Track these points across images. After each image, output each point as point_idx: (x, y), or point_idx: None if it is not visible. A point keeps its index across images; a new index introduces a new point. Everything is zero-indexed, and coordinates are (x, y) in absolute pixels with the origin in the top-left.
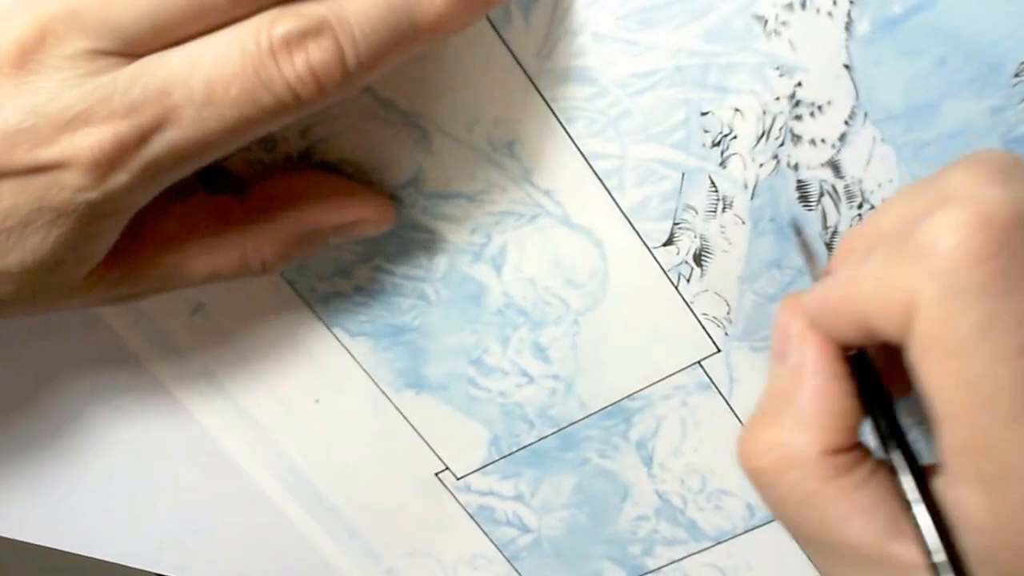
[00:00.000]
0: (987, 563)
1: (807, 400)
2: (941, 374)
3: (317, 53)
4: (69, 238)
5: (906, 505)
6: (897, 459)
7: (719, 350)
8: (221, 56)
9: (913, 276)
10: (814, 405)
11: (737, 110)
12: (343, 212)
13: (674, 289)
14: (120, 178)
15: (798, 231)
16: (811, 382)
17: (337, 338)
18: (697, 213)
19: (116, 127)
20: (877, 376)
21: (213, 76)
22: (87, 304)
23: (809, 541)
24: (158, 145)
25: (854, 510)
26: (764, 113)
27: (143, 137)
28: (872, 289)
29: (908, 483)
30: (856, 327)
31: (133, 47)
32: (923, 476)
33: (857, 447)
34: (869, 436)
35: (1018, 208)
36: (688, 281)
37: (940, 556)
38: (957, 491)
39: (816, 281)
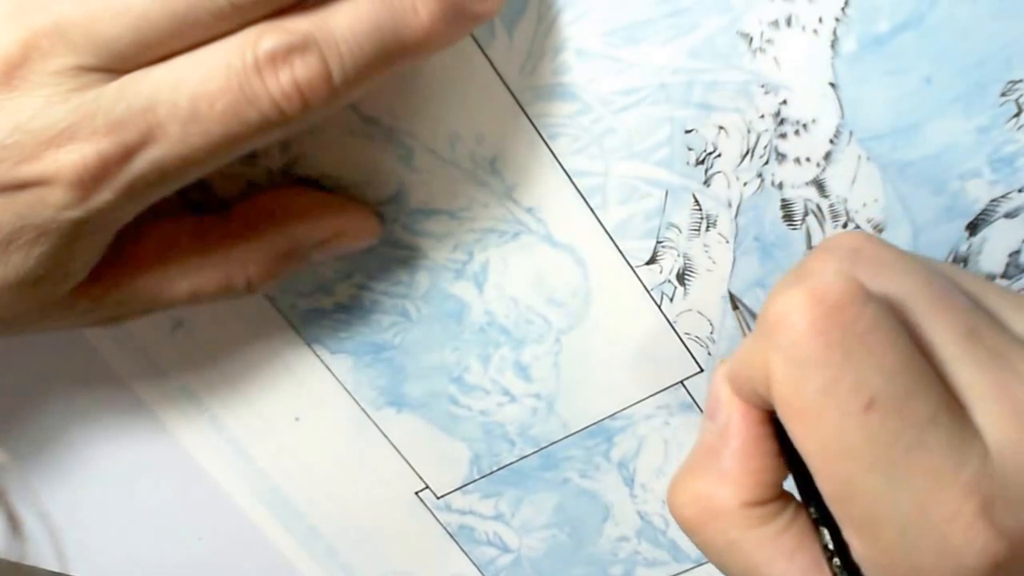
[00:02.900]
0: None
1: (730, 457)
2: (801, 433)
3: (303, 69)
4: (51, 256)
5: (827, 553)
6: (814, 514)
7: (702, 370)
8: (206, 72)
9: (767, 349)
10: (736, 462)
11: (721, 128)
12: (326, 225)
13: (657, 308)
14: (104, 196)
15: (735, 303)
16: (734, 442)
17: (317, 355)
18: (681, 231)
19: (100, 144)
20: None
21: (198, 92)
22: (69, 325)
23: None
24: (142, 162)
25: (776, 555)
26: (748, 131)
27: (127, 154)
28: (747, 360)
29: (825, 536)
30: (750, 392)
31: (118, 63)
32: (838, 528)
33: (778, 498)
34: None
35: (850, 286)
36: (671, 300)
37: None
38: (845, 533)
39: None
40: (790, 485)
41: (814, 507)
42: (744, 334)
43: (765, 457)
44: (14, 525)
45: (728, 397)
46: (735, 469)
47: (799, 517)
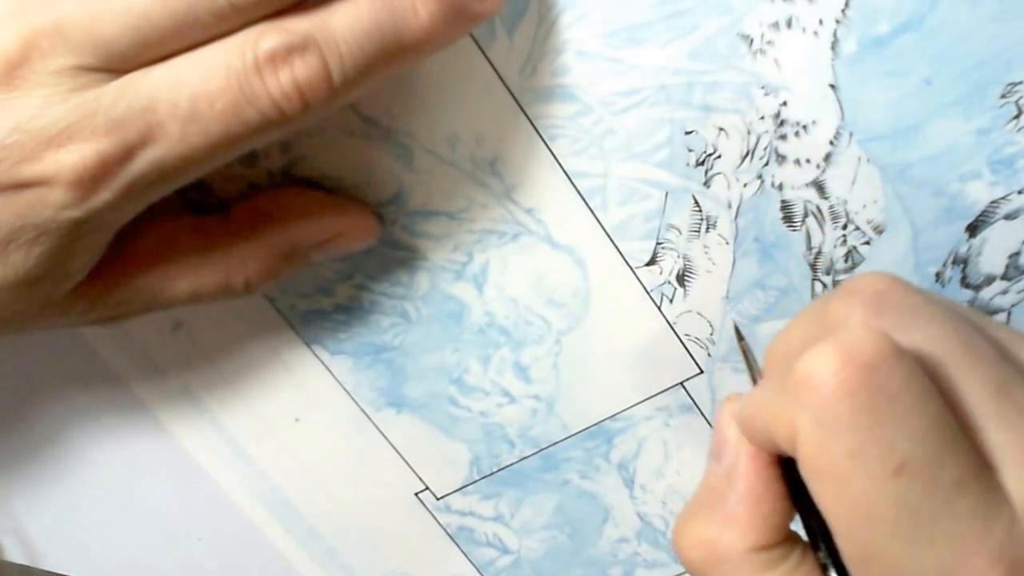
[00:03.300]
0: None
1: (736, 501)
2: (825, 494)
3: (302, 69)
4: (51, 255)
5: None
6: (825, 558)
7: (702, 371)
8: (206, 72)
9: (792, 407)
10: (743, 506)
11: (721, 129)
12: (326, 225)
13: (657, 309)
14: (103, 195)
15: (740, 336)
16: (741, 484)
17: (317, 356)
18: (680, 233)
19: (100, 144)
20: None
21: (198, 92)
22: (68, 324)
23: None
24: (142, 161)
25: None
26: (749, 132)
27: (127, 154)
28: (767, 413)
29: None
30: (766, 441)
31: (118, 63)
32: (847, 573)
33: (786, 540)
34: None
35: (880, 344)
36: (671, 301)
37: None
38: None
39: (754, 384)
40: (795, 524)
41: (824, 551)
42: (749, 370)
43: (774, 501)
44: None
45: (736, 438)
46: (742, 513)
47: (806, 559)
